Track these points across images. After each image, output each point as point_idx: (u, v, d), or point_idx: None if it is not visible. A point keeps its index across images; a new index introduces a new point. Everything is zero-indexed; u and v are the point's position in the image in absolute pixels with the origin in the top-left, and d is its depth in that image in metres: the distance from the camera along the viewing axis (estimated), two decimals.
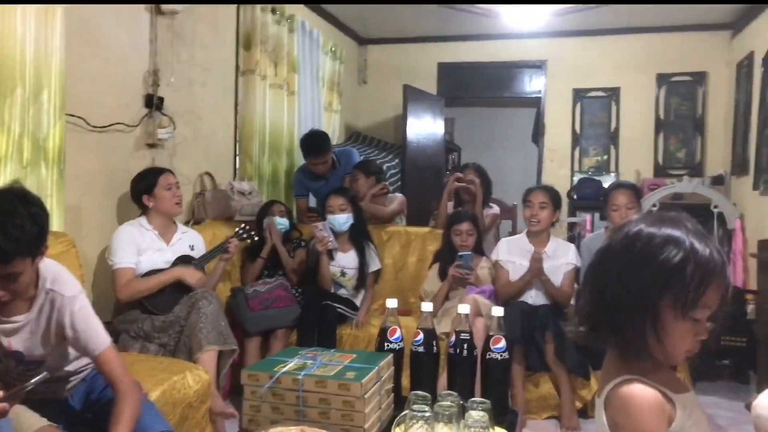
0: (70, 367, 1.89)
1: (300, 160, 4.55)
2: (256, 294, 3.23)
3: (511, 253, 3.38)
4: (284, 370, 1.59)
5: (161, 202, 2.92)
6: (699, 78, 5.77)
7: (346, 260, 3.57)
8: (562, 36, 5.95)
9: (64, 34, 2.64)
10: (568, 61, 6.03)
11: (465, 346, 1.77)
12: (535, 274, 3.22)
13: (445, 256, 3.61)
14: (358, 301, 3.57)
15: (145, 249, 2.86)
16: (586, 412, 3.15)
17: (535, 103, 6.36)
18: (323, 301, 3.34)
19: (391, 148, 6.04)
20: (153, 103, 3.33)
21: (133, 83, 3.25)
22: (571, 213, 5.82)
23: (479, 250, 3.63)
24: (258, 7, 4.22)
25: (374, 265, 3.64)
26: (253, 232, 3.25)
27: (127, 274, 2.78)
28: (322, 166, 4.16)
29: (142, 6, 3.27)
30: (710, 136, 5.78)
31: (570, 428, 3.00)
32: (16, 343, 1.74)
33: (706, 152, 5.80)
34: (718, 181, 5.52)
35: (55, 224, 2.66)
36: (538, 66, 6.16)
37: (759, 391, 3.24)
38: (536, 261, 3.21)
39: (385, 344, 1.83)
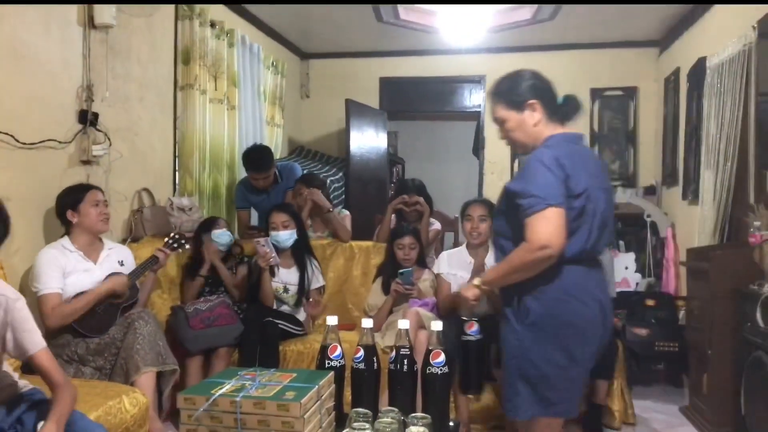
0: None
1: (241, 174, 4.51)
2: (197, 312, 3.17)
3: (452, 266, 3.42)
4: (221, 392, 1.57)
5: (87, 218, 2.82)
6: (630, 92, 6.01)
7: (289, 276, 3.55)
8: (499, 52, 6.10)
9: None
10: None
11: (405, 361, 1.79)
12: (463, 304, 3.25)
13: (389, 269, 3.63)
14: (300, 317, 3.55)
15: (70, 271, 2.75)
16: None
17: (474, 116, 6.48)
18: (265, 318, 3.31)
19: (335, 161, 6.05)
20: (87, 119, 3.24)
21: (65, 99, 3.16)
22: None
23: (422, 263, 3.67)
24: (197, 21, 4.17)
25: (318, 281, 3.63)
26: (183, 241, 3.16)
27: (53, 300, 2.66)
28: (263, 181, 4.14)
29: (73, 19, 3.18)
30: (642, 148, 6.01)
31: None
32: None
33: (638, 164, 6.02)
34: (650, 191, 5.74)
35: None
36: (477, 81, 6.29)
37: (692, 393, 3.40)
38: (477, 267, 3.25)
39: (326, 362, 1.83)
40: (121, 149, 3.53)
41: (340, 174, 5.66)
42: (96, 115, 3.30)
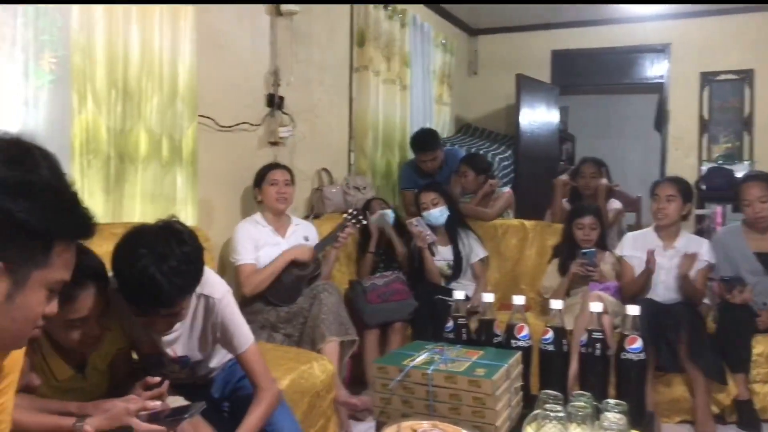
0: (214, 362, 1.99)
1: (411, 154, 4.57)
2: (374, 287, 3.28)
3: (637, 249, 3.22)
4: (413, 364, 1.60)
5: (265, 196, 3.03)
6: None
7: (447, 253, 3.57)
8: (687, 17, 5.59)
9: (195, 38, 2.79)
10: (694, 43, 5.66)
11: (598, 345, 1.70)
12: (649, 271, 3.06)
13: (566, 251, 3.49)
14: (470, 292, 3.53)
15: (262, 245, 2.97)
16: (723, 418, 2.95)
17: (656, 89, 6.02)
18: (434, 295, 3.33)
19: (503, 139, 5.92)
20: (274, 102, 3.45)
21: (255, 84, 3.38)
22: (700, 205, 5.44)
23: (602, 245, 3.49)
24: (371, 3, 4.27)
25: (478, 253, 3.60)
26: (360, 217, 3.24)
27: (247, 270, 2.89)
28: (431, 163, 4.16)
29: (262, 8, 3.39)
30: None
31: None
32: (179, 350, 1.84)
33: None
34: None
35: (190, 219, 2.82)
36: (661, 50, 5.82)
37: None
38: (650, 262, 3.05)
39: (512, 341, 1.80)
40: (304, 130, 3.72)
41: (509, 152, 5.53)
42: (282, 99, 3.50)
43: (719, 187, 5.39)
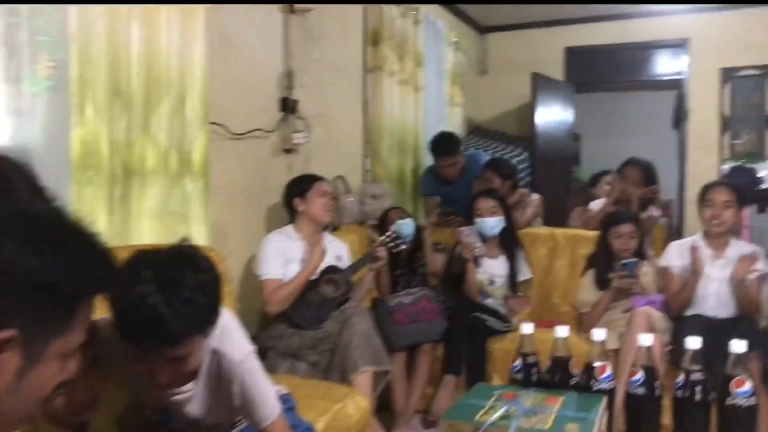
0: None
1: (425, 158, 4.33)
2: (401, 306, 3.03)
3: (683, 258, 2.98)
4: (490, 420, 1.35)
5: (313, 206, 2.82)
6: None
7: (495, 267, 3.30)
8: (707, 11, 5.37)
9: (206, 39, 2.53)
10: (714, 38, 5.43)
11: (698, 389, 1.46)
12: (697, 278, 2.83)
13: (602, 261, 3.26)
14: (504, 311, 3.30)
15: (291, 259, 2.75)
16: None
17: (673, 86, 5.80)
18: (471, 312, 3.09)
19: (516, 140, 5.69)
20: (288, 106, 3.20)
21: (268, 86, 3.13)
22: None
23: (641, 255, 3.25)
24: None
25: (525, 273, 3.36)
26: (399, 240, 3.04)
27: (274, 285, 2.67)
28: (451, 169, 3.91)
29: (275, 6, 3.13)
30: None
31: None
32: (192, 411, 1.54)
33: None
34: None
35: (202, 238, 2.56)
36: (680, 45, 5.59)
37: None
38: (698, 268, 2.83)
39: (593, 384, 1.55)
40: (318, 136, 3.46)
41: (525, 154, 5.30)
42: (296, 102, 3.24)
43: (743, 186, 5.16)
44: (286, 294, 2.64)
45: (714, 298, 2.90)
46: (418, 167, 4.49)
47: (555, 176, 5.46)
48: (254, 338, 2.65)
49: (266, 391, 1.53)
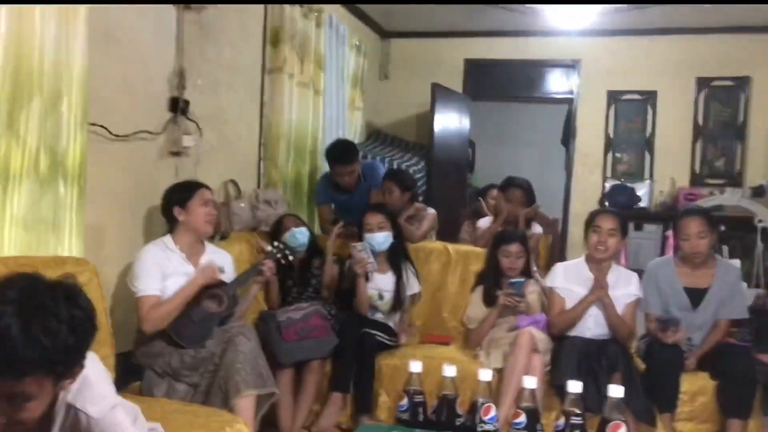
0: None
1: (324, 163, 4.25)
2: (291, 322, 2.93)
3: (569, 280, 3.10)
4: None
5: (194, 217, 2.62)
6: (742, 82, 5.47)
7: (384, 282, 3.29)
8: (598, 35, 5.63)
9: (87, 34, 2.32)
10: (603, 62, 5.71)
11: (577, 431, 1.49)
12: (599, 295, 2.95)
13: (491, 279, 3.33)
14: (393, 325, 3.30)
15: (170, 273, 2.56)
16: None
17: (565, 102, 6.05)
18: (360, 328, 3.06)
19: (414, 148, 5.73)
20: (178, 107, 3.02)
21: (157, 86, 2.94)
22: None
23: (527, 273, 3.35)
24: None
25: (413, 287, 3.36)
26: (287, 252, 2.94)
27: (151, 302, 2.48)
28: (348, 177, 3.85)
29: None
30: (752, 145, 5.48)
31: None
32: None
33: (746, 161, 5.51)
34: (758, 192, 5.26)
35: (75, 249, 2.36)
36: (571, 66, 5.85)
37: None
38: (599, 282, 2.95)
39: (479, 425, 1.55)
40: (210, 138, 3.30)
41: (422, 164, 5.34)
42: (187, 103, 3.07)
43: (622, 205, 5.48)
44: (165, 312, 2.46)
45: (592, 320, 3.03)
46: (315, 172, 4.39)
47: (451, 184, 5.55)
48: (131, 354, 2.49)
49: None
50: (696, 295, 3.07)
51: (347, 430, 3.05)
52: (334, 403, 2.96)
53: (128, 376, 2.41)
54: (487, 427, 1.55)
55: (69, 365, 1.20)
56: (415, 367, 1.63)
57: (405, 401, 1.62)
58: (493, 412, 1.56)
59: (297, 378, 2.97)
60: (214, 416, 2.13)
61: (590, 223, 3.05)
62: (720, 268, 3.12)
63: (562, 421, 1.52)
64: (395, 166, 5.05)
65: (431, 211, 3.89)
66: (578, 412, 1.51)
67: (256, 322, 3.12)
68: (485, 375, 1.59)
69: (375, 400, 3.02)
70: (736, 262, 4.80)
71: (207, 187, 2.72)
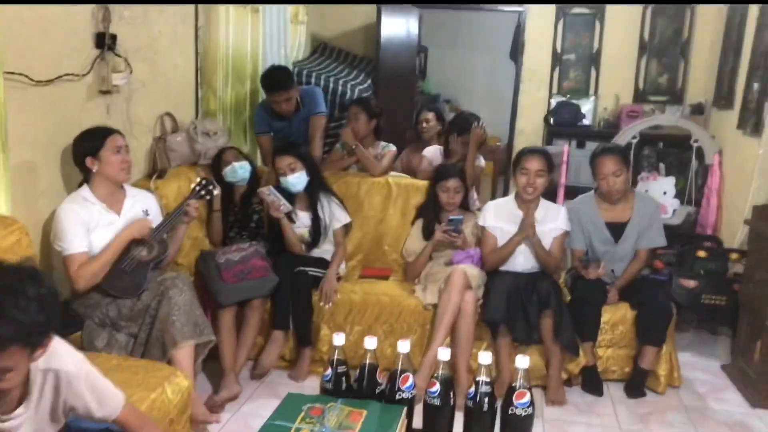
0: None
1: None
2: (230, 264, 2.97)
3: (499, 218, 3.20)
4: None
5: (107, 166, 2.55)
6: None
7: (306, 219, 3.35)
8: None
9: None
10: None
11: (486, 399, 1.62)
12: (527, 234, 3.07)
13: (430, 212, 3.41)
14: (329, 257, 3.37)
15: (94, 226, 2.52)
16: (569, 381, 3.14)
17: (514, 17, 5.94)
18: (294, 267, 3.12)
19: (361, 62, 5.60)
20: (105, 42, 2.87)
21: (79, 22, 2.77)
22: (548, 141, 5.61)
23: (465, 207, 3.44)
24: None
25: (340, 218, 3.39)
26: (211, 187, 2.86)
27: (80, 259, 2.45)
28: (285, 104, 3.77)
29: None
30: (694, 62, 5.54)
31: (557, 402, 2.97)
32: None
33: (688, 78, 5.59)
34: (697, 110, 5.37)
35: (2, 206, 2.32)
36: None
37: (738, 356, 3.28)
38: (527, 222, 3.06)
39: (397, 393, 1.66)
40: (141, 71, 3.17)
41: (368, 81, 5.24)
42: (114, 37, 2.92)
43: (567, 123, 5.56)
44: (96, 269, 2.45)
45: (522, 256, 3.17)
46: (257, 96, 4.29)
47: (398, 100, 5.48)
48: (68, 303, 2.51)
49: (105, 388, 1.63)
50: (617, 229, 3.23)
51: (291, 362, 3.20)
52: (276, 340, 3.08)
53: (68, 328, 2.43)
54: (404, 395, 1.66)
55: (41, 336, 1.39)
56: (338, 340, 1.71)
57: (329, 372, 1.71)
58: (410, 381, 1.67)
59: (240, 315, 3.06)
60: (152, 371, 2.21)
61: (517, 164, 3.11)
62: (638, 202, 3.27)
63: (473, 389, 1.64)
64: (340, 87, 4.96)
65: (392, 148, 3.87)
66: (488, 380, 1.63)
67: (197, 262, 3.17)
68: (404, 347, 1.68)
69: (317, 334, 3.16)
70: (671, 180, 5.03)
71: (118, 132, 2.64)
